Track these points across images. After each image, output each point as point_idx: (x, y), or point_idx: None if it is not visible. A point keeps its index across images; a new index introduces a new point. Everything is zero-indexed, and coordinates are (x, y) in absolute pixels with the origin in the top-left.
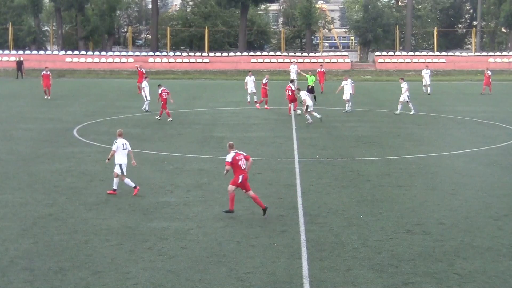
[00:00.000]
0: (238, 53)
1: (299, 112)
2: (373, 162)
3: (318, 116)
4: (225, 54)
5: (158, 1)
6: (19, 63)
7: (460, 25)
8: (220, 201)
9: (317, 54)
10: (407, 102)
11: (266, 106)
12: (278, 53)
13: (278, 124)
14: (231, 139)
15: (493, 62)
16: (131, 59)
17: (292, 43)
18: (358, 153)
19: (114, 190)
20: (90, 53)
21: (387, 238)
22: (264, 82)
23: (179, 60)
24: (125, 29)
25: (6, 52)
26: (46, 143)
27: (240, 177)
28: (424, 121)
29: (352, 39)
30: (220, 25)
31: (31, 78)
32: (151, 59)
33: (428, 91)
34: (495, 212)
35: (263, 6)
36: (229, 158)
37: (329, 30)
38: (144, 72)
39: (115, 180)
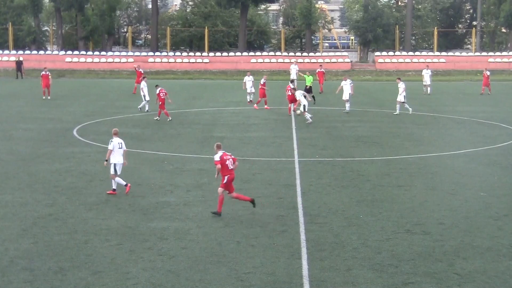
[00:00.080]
0: (238, 53)
1: (298, 112)
2: (373, 162)
3: (310, 120)
4: (225, 54)
5: (158, 1)
6: (19, 63)
7: (460, 25)
8: None
9: (317, 54)
10: (403, 102)
11: (266, 106)
12: (278, 53)
13: (278, 124)
14: (231, 139)
15: (493, 62)
16: (131, 59)
17: (292, 43)
18: (358, 153)
19: (114, 190)
20: (90, 53)
21: (387, 238)
22: (262, 82)
23: (179, 60)
24: (125, 29)
25: (6, 52)
26: (46, 143)
27: (226, 177)
28: (424, 121)
29: (352, 39)
30: (220, 25)
31: (31, 78)
32: (151, 59)
33: (428, 91)
34: (495, 212)
35: (263, 6)
36: (217, 157)
37: (329, 30)
38: (142, 72)
39: (114, 180)
